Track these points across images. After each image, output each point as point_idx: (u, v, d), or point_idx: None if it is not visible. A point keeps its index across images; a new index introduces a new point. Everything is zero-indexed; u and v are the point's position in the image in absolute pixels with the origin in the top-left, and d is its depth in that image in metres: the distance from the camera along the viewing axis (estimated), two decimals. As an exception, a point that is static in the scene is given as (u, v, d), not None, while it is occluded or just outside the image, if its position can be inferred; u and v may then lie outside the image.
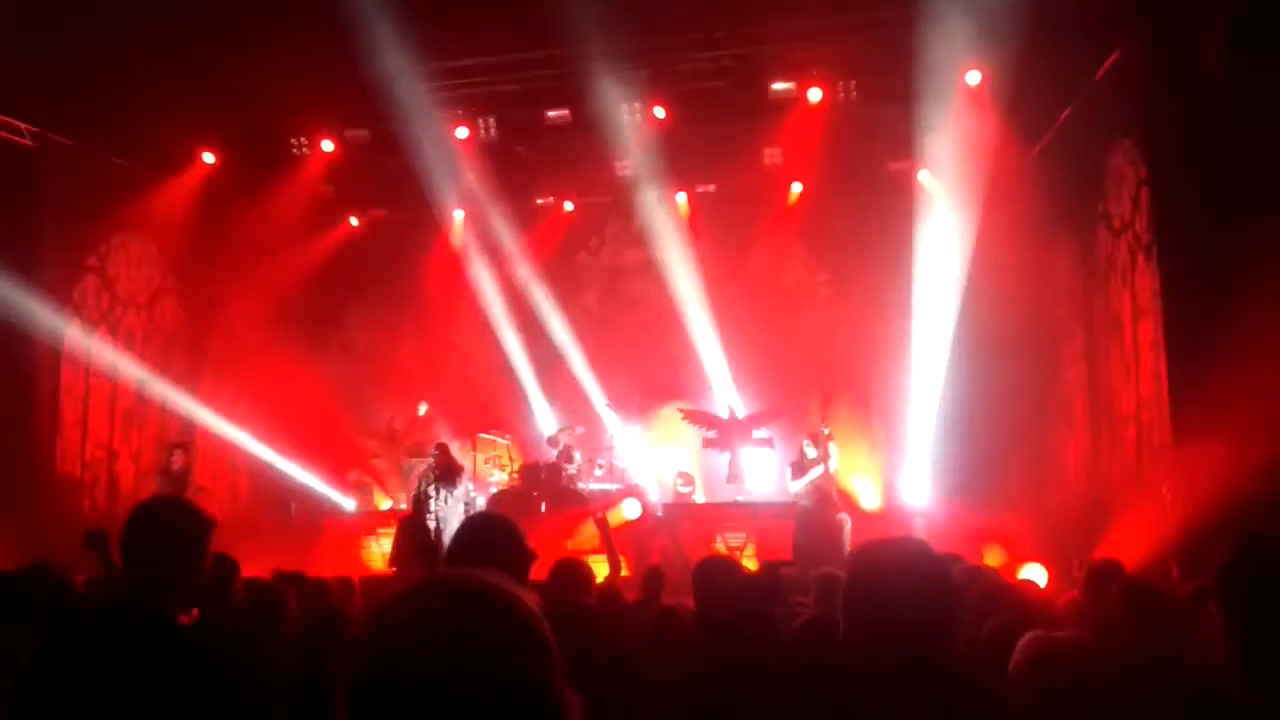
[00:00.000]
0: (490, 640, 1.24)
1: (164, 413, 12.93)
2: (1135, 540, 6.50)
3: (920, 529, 10.81)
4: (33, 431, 11.02)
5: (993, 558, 8.85)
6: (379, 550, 11.82)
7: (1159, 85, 7.91)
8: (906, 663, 2.36)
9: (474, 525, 3.58)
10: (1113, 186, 9.53)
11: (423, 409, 13.90)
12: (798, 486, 10.67)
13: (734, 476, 13.02)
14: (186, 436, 12.30)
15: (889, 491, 12.56)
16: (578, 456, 12.96)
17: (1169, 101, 7.72)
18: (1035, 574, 7.87)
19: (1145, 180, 8.57)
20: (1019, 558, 9.03)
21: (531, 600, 1.33)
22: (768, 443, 13.13)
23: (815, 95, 11.16)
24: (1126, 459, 9.19)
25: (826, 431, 10.81)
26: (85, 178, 11.45)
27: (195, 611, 4.35)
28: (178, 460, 10.90)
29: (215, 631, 4.07)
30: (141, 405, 12.68)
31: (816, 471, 10.52)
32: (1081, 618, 4.26)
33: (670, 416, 13.60)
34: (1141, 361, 8.77)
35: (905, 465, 12.60)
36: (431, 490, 11.37)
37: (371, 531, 12.36)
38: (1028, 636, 2.90)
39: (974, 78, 10.63)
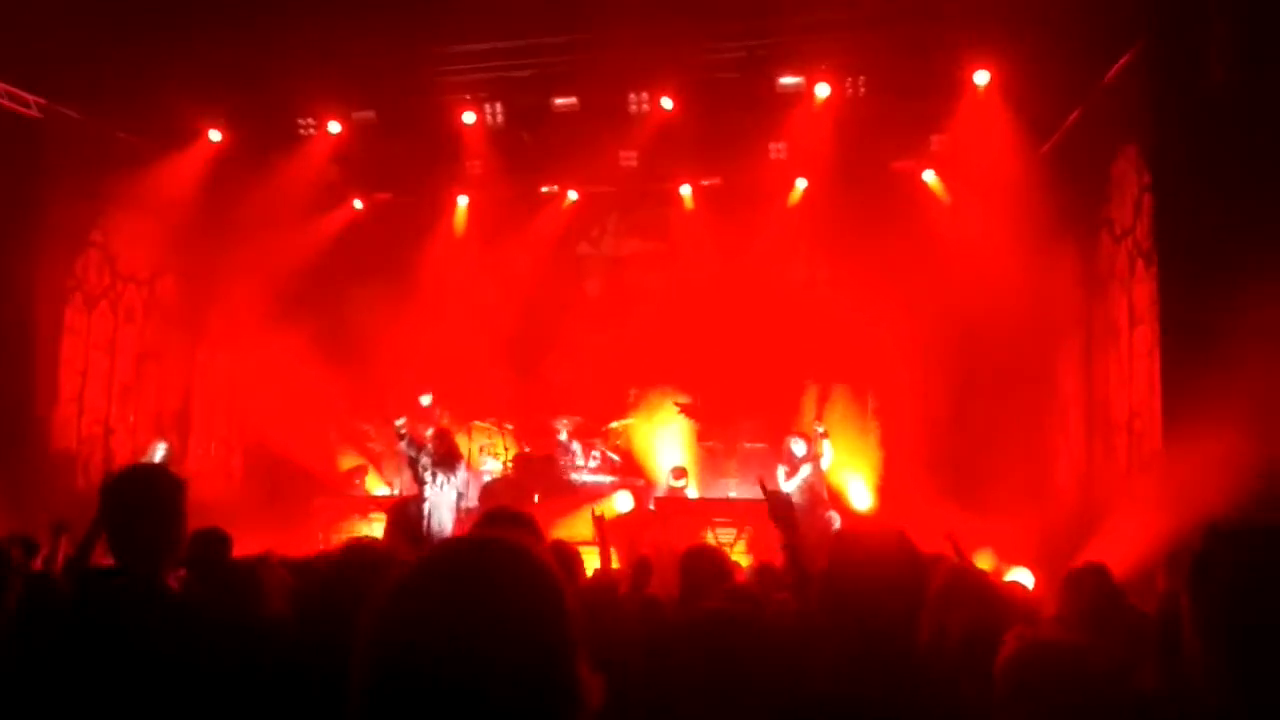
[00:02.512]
0: (509, 590, 1.26)
1: (161, 390, 12.98)
2: (1121, 548, 6.48)
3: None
4: (30, 405, 11.04)
5: (983, 561, 8.84)
6: (370, 534, 11.82)
7: (1164, 91, 7.88)
8: (874, 650, 2.37)
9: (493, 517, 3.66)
10: (1116, 192, 9.50)
11: (426, 400, 13.77)
12: (791, 485, 10.70)
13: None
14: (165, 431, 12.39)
15: (881, 491, 12.55)
16: (575, 447, 12.97)
17: (1174, 108, 7.69)
18: (1022, 577, 7.87)
19: (1148, 187, 8.54)
20: (1009, 561, 9.03)
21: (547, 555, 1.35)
22: (764, 438, 13.13)
23: (823, 90, 11.11)
24: (1117, 466, 9.17)
25: (821, 429, 10.81)
26: (90, 151, 11.43)
27: (181, 572, 4.39)
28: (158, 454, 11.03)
29: (204, 595, 4.13)
30: (139, 382, 12.71)
31: (807, 469, 10.56)
32: (1059, 621, 4.26)
33: (666, 409, 13.61)
34: (1135, 369, 8.74)
35: (898, 465, 12.59)
36: (428, 476, 11.34)
37: (365, 515, 12.37)
38: (1015, 634, 2.90)
39: (982, 77, 10.58)
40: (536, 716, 1.22)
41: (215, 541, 4.96)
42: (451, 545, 1.36)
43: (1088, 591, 3.98)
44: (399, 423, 10.36)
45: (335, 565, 2.47)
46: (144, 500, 2.82)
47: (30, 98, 10.85)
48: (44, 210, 10.96)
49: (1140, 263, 8.77)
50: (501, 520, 3.26)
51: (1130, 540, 6.48)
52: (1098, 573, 4.38)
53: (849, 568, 2.51)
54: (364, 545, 2.62)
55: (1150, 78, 8.26)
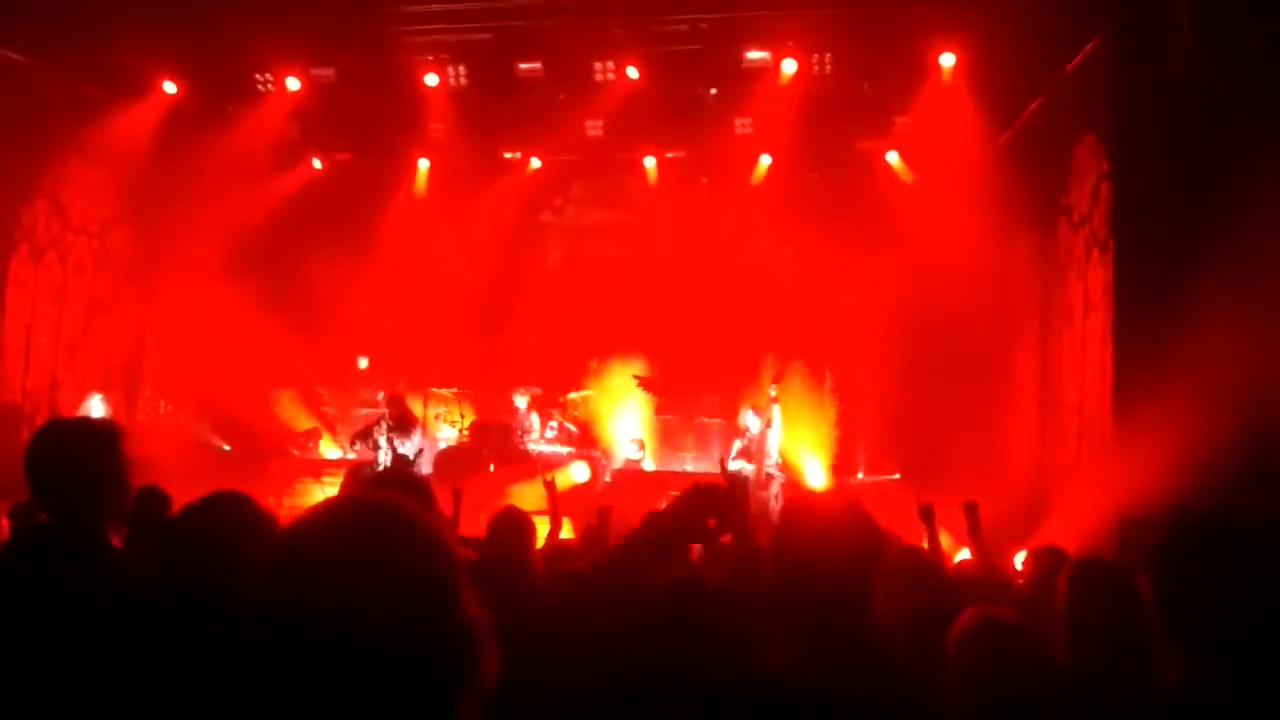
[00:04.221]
0: (393, 555, 1.32)
1: (110, 345, 12.75)
2: (1070, 531, 6.60)
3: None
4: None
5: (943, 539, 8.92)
6: (323, 496, 11.72)
7: (1126, 80, 7.96)
8: (826, 622, 2.38)
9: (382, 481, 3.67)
10: (1075, 180, 9.60)
11: (363, 363, 13.70)
12: (735, 466, 10.73)
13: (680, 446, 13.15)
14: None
15: (835, 469, 12.66)
16: (532, 417, 12.93)
17: (1134, 97, 7.78)
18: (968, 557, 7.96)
19: (1106, 175, 8.63)
20: (960, 541, 9.14)
21: (436, 520, 1.41)
22: (720, 413, 13.20)
23: (790, 67, 11.07)
24: (1068, 450, 9.33)
25: (773, 393, 10.84)
26: (41, 99, 11.11)
27: (124, 529, 4.29)
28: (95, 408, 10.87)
29: (144, 552, 4.04)
30: (87, 336, 12.47)
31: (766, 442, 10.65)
32: (1022, 603, 4.33)
33: (626, 380, 13.60)
34: (1088, 354, 8.88)
35: (855, 442, 12.72)
36: (383, 440, 11.29)
37: (317, 477, 12.27)
38: (970, 613, 2.94)
39: (948, 60, 10.61)
40: (416, 663, 1.29)
41: (153, 499, 4.88)
42: (323, 504, 1.43)
43: (1043, 573, 4.05)
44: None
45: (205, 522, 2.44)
46: (70, 454, 2.72)
47: (-27, 40, 10.52)
48: (-12, 156, 10.68)
49: (1096, 250, 8.88)
50: (391, 484, 3.31)
51: (1079, 523, 6.59)
52: (1054, 555, 4.46)
53: (801, 535, 2.51)
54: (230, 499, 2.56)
55: (1111, 66, 8.34)
